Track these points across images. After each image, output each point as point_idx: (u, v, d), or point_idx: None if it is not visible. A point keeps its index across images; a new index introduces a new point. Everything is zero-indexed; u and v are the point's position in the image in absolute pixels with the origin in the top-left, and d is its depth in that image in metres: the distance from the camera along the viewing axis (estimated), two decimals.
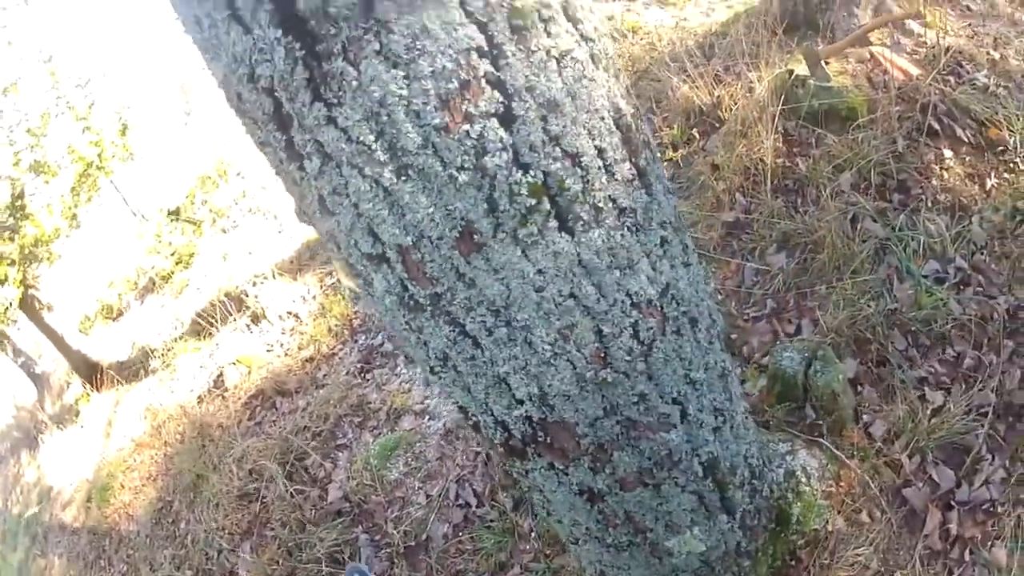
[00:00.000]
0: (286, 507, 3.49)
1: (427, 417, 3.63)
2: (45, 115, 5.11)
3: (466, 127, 1.08)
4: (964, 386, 2.38)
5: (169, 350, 5.25)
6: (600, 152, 1.23)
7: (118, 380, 5.62)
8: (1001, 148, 3.16)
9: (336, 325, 4.45)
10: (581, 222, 1.23)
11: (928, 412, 2.31)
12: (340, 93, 1.05)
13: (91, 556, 4.59)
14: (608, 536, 1.78)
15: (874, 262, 2.77)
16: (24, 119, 5.09)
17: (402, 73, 1.03)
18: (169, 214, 6.77)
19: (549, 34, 1.13)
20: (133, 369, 5.62)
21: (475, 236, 1.17)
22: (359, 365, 4.10)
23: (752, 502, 1.95)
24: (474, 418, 1.52)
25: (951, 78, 3.32)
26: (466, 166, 1.11)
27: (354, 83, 1.04)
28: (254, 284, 4.98)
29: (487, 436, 1.54)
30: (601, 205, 1.24)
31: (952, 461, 2.24)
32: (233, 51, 1.07)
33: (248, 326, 4.81)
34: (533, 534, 3.10)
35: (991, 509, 2.11)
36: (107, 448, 5.25)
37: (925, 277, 2.65)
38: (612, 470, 1.55)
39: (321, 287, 4.87)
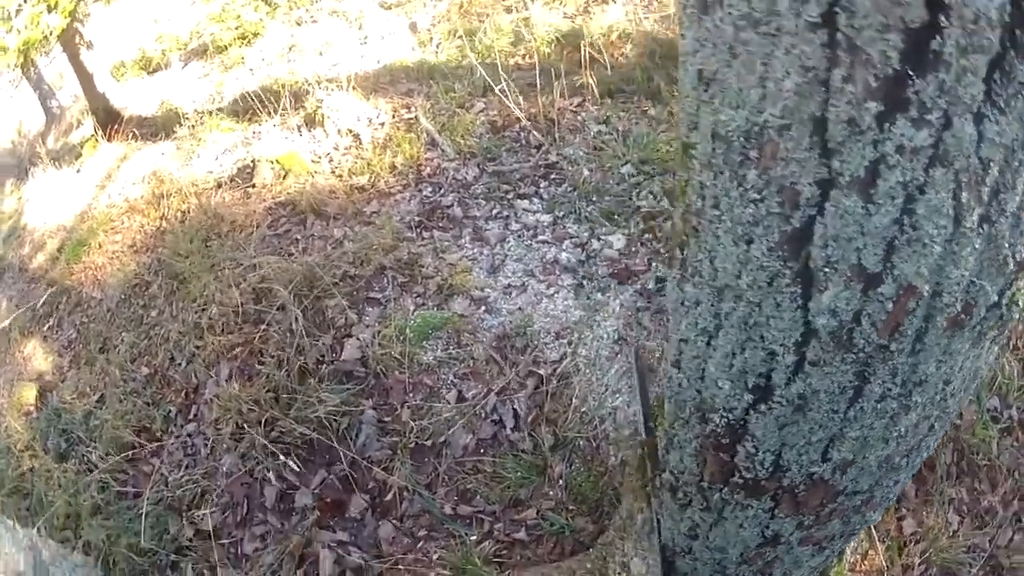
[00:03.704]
0: (289, 346, 2.67)
1: (483, 308, 2.81)
2: None
3: None
4: (974, 523, 2.38)
5: (200, 121, 4.29)
6: None
7: (134, 135, 4.66)
8: None
9: (402, 164, 3.54)
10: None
11: (948, 532, 2.29)
12: None
13: (42, 310, 3.78)
14: (737, 570, 1.62)
15: None
16: None
17: None
18: None
19: None
20: (153, 128, 4.66)
21: (965, 316, 0.94)
22: (418, 219, 3.23)
23: None
24: (753, 452, 1.24)
25: None
26: None
27: None
28: (320, 85, 3.99)
29: (746, 466, 1.28)
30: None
31: None
32: None
33: (299, 127, 3.87)
34: (562, 482, 2.43)
35: None
36: (97, 201, 4.35)
37: (988, 411, 2.58)
38: (815, 531, 1.41)
39: (394, 117, 3.92)
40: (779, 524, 1.40)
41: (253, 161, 3.70)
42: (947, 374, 1.04)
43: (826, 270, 0.92)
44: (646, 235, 3.07)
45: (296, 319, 2.73)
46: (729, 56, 0.86)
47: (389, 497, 2.37)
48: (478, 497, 2.40)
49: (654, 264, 2.94)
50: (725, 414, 1.23)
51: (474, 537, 2.29)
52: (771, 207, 0.91)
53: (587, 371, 2.60)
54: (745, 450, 1.25)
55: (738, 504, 1.40)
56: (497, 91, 3.87)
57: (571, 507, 2.39)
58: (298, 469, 2.44)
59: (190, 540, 2.39)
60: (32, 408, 3.22)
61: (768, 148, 0.87)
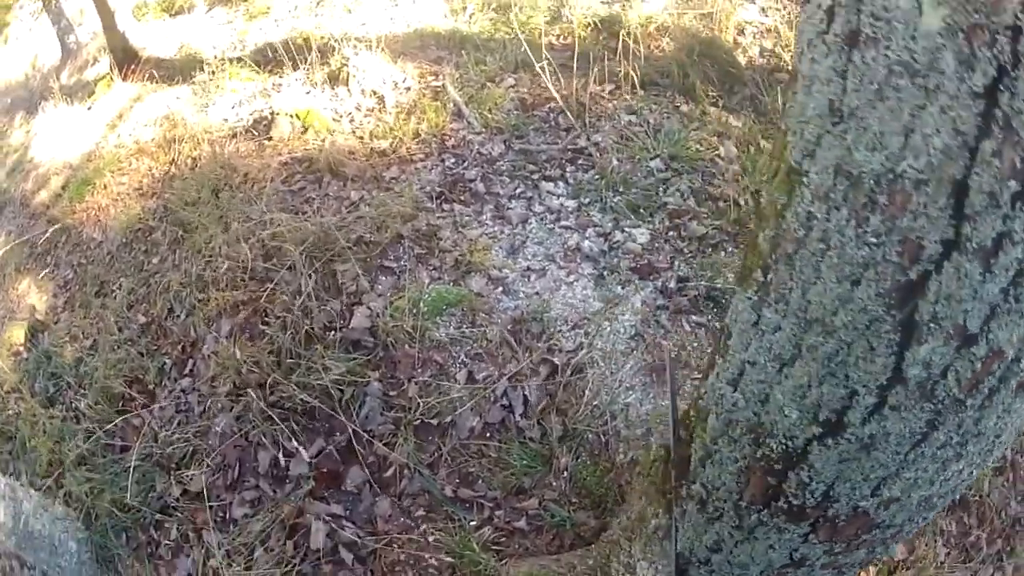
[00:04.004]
0: (296, 308, 2.53)
1: (500, 289, 2.67)
2: None
3: None
4: (960, 556, 2.33)
5: (220, 68, 4.09)
6: None
7: (151, 76, 4.45)
8: None
9: (426, 132, 3.38)
10: None
11: (936, 562, 2.24)
12: None
13: (41, 247, 3.60)
14: None
15: None
16: None
17: None
18: None
19: None
20: (170, 71, 4.45)
21: None
22: (439, 190, 3.08)
23: None
24: (807, 481, 1.24)
25: None
26: None
27: None
28: (346, 42, 3.80)
29: (795, 492, 1.27)
30: None
31: None
32: None
33: (322, 84, 3.68)
34: (567, 474, 2.33)
35: None
36: (106, 141, 4.16)
37: None
38: (841, 558, 1.41)
39: (421, 83, 3.75)
40: (809, 548, 1.37)
41: (272, 113, 3.53)
42: (1001, 428, 1.10)
43: (931, 325, 0.93)
44: (671, 232, 2.93)
45: (306, 281, 2.57)
46: (875, 97, 0.84)
47: (389, 473, 2.24)
48: (480, 482, 2.28)
49: (676, 263, 2.81)
50: (784, 441, 1.21)
51: (474, 522, 2.18)
52: (889, 255, 0.91)
53: (602, 364, 2.47)
54: (798, 478, 1.24)
55: (775, 527, 1.37)
56: (532, 69, 3.72)
57: (574, 500, 2.28)
58: (296, 436, 2.31)
59: (176, 500, 2.25)
60: (22, 348, 3.06)
61: (899, 198, 0.86)
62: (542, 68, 3.40)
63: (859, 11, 0.83)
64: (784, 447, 1.22)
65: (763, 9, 4.31)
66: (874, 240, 0.90)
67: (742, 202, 3.05)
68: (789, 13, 4.29)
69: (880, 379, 1.02)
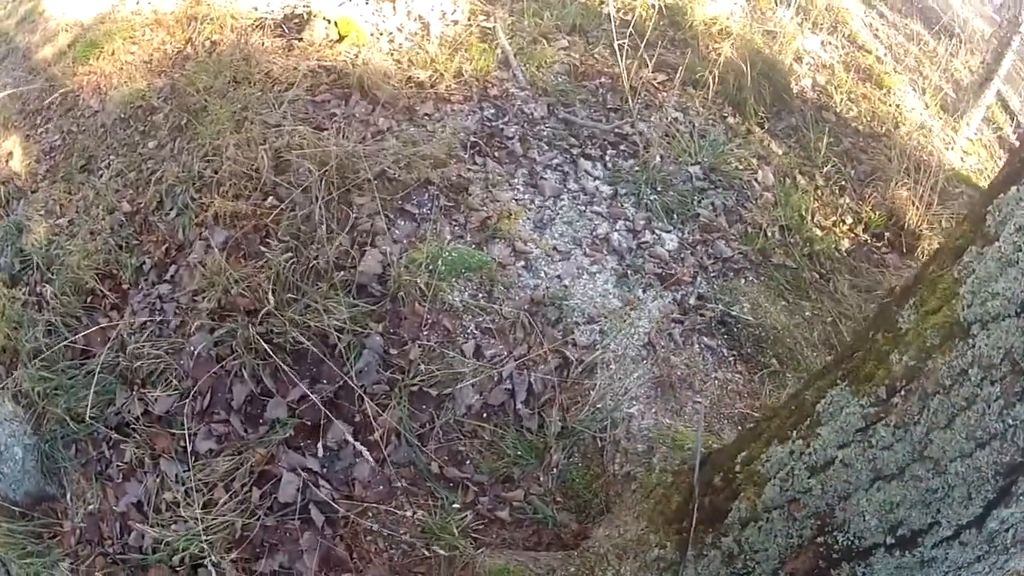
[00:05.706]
0: (303, 235, 2.18)
1: (523, 264, 2.39)
2: None
3: None
4: None
5: None
6: None
7: None
8: None
9: (469, 74, 3.00)
10: None
11: None
12: None
13: (33, 103, 3.10)
14: None
15: None
16: None
17: None
18: None
19: None
20: None
21: None
22: (473, 139, 2.74)
23: None
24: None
25: None
26: None
27: None
28: None
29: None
30: None
31: None
32: None
33: None
34: (556, 471, 2.11)
35: None
36: (123, 5, 3.59)
37: None
38: None
39: (470, 20, 3.35)
40: None
41: (308, 13, 3.07)
42: (1015, 567, 1.25)
43: (1021, 497, 1.09)
44: (699, 246, 2.69)
45: (320, 208, 2.22)
46: None
47: (374, 437, 1.98)
48: (469, 463, 2.04)
49: (699, 279, 2.57)
50: (852, 539, 1.26)
51: (456, 505, 1.94)
52: (1018, 438, 1.05)
53: (613, 367, 2.23)
54: (852, 570, 1.28)
55: None
56: (588, 35, 3.35)
57: (559, 500, 2.08)
58: (279, 375, 2.00)
59: (136, 419, 1.94)
60: None
61: None
62: (620, 46, 3.03)
63: None
64: (849, 543, 1.27)
65: (823, 43, 4.03)
66: (1011, 422, 1.04)
67: (770, 233, 2.83)
68: (847, 54, 4.03)
69: (963, 520, 1.15)
